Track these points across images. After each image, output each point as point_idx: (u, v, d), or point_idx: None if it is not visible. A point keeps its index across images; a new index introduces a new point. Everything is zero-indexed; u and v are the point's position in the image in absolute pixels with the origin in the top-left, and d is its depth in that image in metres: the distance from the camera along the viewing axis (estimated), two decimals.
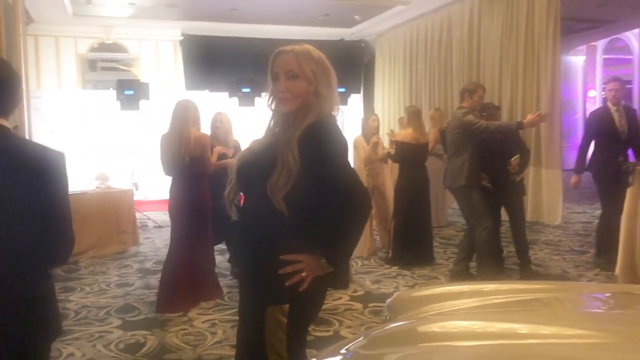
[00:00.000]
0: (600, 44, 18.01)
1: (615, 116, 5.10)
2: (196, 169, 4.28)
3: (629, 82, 18.72)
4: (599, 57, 18.48)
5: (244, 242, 1.82)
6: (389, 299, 2.21)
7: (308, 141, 1.70)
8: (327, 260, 1.73)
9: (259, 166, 1.75)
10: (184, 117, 4.22)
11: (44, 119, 9.63)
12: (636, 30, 16.92)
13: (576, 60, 17.97)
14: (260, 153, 1.79)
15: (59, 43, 11.38)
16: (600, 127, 5.16)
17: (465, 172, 4.78)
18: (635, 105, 18.01)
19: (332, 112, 1.79)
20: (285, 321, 1.70)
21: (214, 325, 4.01)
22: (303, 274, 1.68)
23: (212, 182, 4.39)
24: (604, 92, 5.45)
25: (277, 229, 1.70)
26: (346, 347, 1.67)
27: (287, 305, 1.71)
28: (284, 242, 1.70)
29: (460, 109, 4.91)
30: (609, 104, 5.18)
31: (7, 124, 1.73)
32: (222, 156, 4.80)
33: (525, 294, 2.17)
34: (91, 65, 12.20)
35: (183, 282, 4.35)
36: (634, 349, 1.41)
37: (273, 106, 1.83)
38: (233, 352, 3.47)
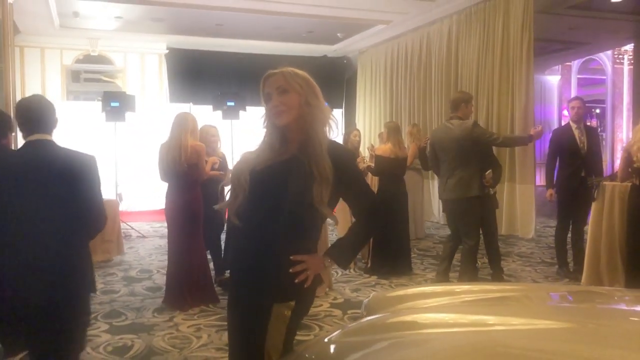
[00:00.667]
0: (575, 64, 18.56)
1: (576, 133, 5.40)
2: (191, 175, 4.60)
3: (602, 102, 19.35)
4: (574, 77, 19.02)
5: (248, 245, 1.96)
6: (366, 299, 2.41)
7: (334, 155, 1.91)
8: (333, 258, 1.96)
9: (274, 175, 1.91)
10: (184, 127, 4.56)
11: None
12: (609, 52, 17.53)
13: (552, 79, 18.51)
14: (269, 165, 1.94)
15: (44, 54, 11.48)
16: (563, 143, 5.45)
17: (477, 182, 4.82)
18: (607, 125, 18.61)
19: (328, 123, 1.98)
20: (290, 316, 1.88)
21: (199, 329, 4.17)
22: (308, 272, 1.87)
23: (203, 190, 4.66)
24: (565, 111, 5.73)
25: (282, 231, 1.87)
26: (327, 337, 1.87)
27: (294, 302, 1.89)
28: (287, 244, 1.88)
29: (457, 119, 4.92)
30: (571, 122, 5.49)
31: (51, 138, 2.47)
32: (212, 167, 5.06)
33: (496, 293, 2.38)
34: (74, 76, 12.28)
35: (183, 281, 4.67)
36: (594, 338, 1.61)
37: (266, 124, 2.01)
38: (218, 355, 3.66)
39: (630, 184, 4.59)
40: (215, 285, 5.24)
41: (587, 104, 18.12)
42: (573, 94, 18.63)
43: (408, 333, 1.74)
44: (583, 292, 2.76)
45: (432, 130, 5.09)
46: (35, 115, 2.46)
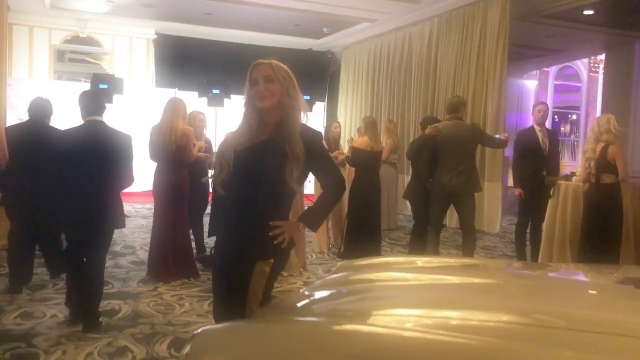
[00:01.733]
0: (552, 70, 19.13)
1: (539, 135, 5.84)
2: (179, 157, 4.93)
3: (577, 108, 20.00)
4: (551, 83, 19.60)
5: (234, 211, 2.29)
6: (334, 267, 2.77)
7: (306, 138, 2.25)
8: (305, 222, 2.33)
9: (255, 153, 2.24)
10: (175, 111, 4.89)
11: (12, 106, 9.80)
12: (586, 60, 18.13)
13: (529, 84, 19.08)
14: (250, 145, 2.26)
15: (33, 33, 11.58)
16: (527, 144, 5.89)
17: (479, 178, 5.52)
18: (580, 131, 19.25)
19: (302, 113, 2.32)
20: (269, 272, 2.24)
21: (182, 299, 4.52)
22: (285, 235, 2.23)
23: (189, 172, 5.00)
24: (532, 113, 6.14)
25: (262, 201, 2.23)
26: (302, 289, 2.25)
27: (273, 260, 2.24)
28: (265, 212, 2.23)
29: (461, 121, 5.48)
30: (535, 125, 5.93)
31: (102, 119, 3.76)
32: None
33: (456, 263, 2.79)
34: (59, 56, 12.39)
35: (167, 255, 4.98)
36: (539, 292, 2.06)
37: (246, 106, 2.33)
38: (200, 320, 4.03)
39: (587, 184, 5.07)
40: (196, 262, 5.59)
41: (562, 110, 18.46)
42: (549, 99, 19.24)
43: (369, 285, 2.12)
44: (537, 264, 3.19)
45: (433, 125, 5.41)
46: (92, 102, 3.74)
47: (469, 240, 5.51)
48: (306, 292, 2.19)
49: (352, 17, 10.80)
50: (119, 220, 3.81)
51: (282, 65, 2.33)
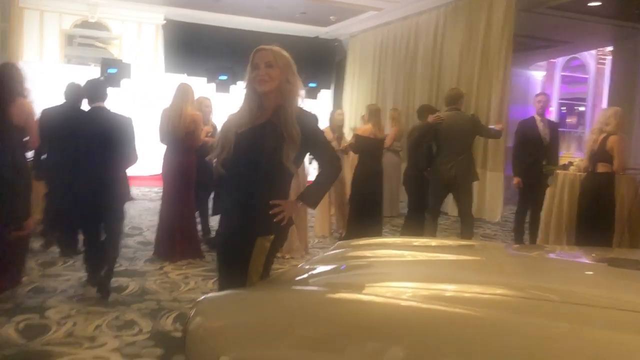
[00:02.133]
0: (560, 61, 19.09)
1: (540, 125, 5.93)
2: (188, 141, 5.09)
3: (584, 100, 19.97)
4: (558, 74, 19.55)
5: (236, 191, 2.43)
6: (332, 247, 2.91)
7: (302, 122, 2.39)
8: (304, 201, 2.47)
9: (254, 136, 2.37)
10: (185, 97, 5.05)
11: None
12: (593, 52, 18.06)
13: (536, 74, 19.07)
14: (250, 127, 2.40)
15: (43, 17, 11.72)
16: (527, 134, 5.98)
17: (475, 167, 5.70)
18: (587, 123, 19.22)
19: (298, 98, 2.45)
20: (269, 247, 2.38)
21: (187, 277, 4.68)
22: (284, 213, 2.37)
23: (197, 157, 5.16)
24: (533, 103, 6.23)
25: (261, 181, 2.36)
26: (300, 265, 2.38)
27: (273, 236, 2.38)
28: (265, 191, 2.37)
29: (461, 112, 5.65)
30: (535, 115, 6.02)
31: (104, 105, 4.19)
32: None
33: (453, 244, 2.90)
34: (68, 40, 12.53)
35: (174, 235, 5.14)
36: (534, 269, 2.17)
37: (247, 89, 2.46)
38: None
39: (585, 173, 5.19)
40: (201, 244, 5.76)
41: (569, 102, 18.38)
42: (556, 90, 19.22)
43: (366, 261, 2.25)
44: (533, 246, 3.30)
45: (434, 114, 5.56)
46: (95, 91, 4.21)
47: (467, 226, 5.63)
48: (305, 267, 2.33)
49: (359, 6, 10.86)
50: (125, 195, 4.50)
51: (284, 52, 2.45)
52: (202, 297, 1.95)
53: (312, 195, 2.52)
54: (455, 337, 1.41)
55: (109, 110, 4.19)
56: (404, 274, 2.05)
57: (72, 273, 4.63)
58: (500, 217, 8.62)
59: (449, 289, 1.75)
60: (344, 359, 1.50)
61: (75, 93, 5.08)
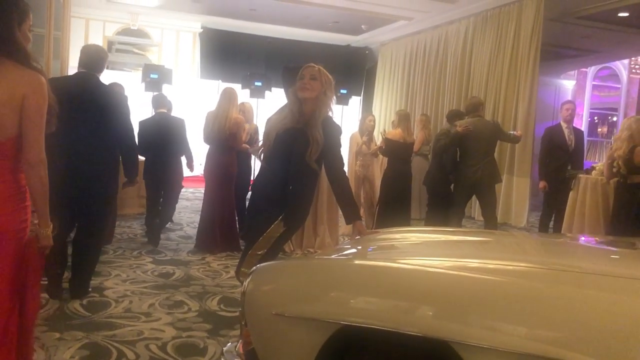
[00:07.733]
0: (591, 70, 19.03)
1: (566, 132, 6.16)
2: (231, 142, 5.50)
3: (615, 109, 19.83)
4: (589, 83, 19.48)
5: (270, 181, 2.99)
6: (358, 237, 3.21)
7: (326, 128, 2.91)
8: (355, 220, 2.95)
9: (290, 138, 2.90)
10: (231, 101, 5.47)
11: None
12: (626, 61, 17.97)
13: (567, 83, 19.05)
14: (287, 129, 2.93)
15: (88, 25, 12.35)
16: (554, 140, 6.21)
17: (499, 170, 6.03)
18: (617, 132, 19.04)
19: (329, 109, 2.95)
20: (281, 232, 2.90)
21: (227, 267, 5.05)
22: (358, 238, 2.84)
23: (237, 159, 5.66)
24: (560, 111, 6.47)
25: (289, 175, 2.90)
26: (333, 247, 2.72)
27: (285, 229, 2.91)
28: (293, 184, 2.91)
29: (483, 118, 6.01)
30: (562, 122, 6.24)
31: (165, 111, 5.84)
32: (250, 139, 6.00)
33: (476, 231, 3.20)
34: (108, 47, 13.10)
35: (215, 229, 5.54)
36: (555, 250, 2.44)
37: (292, 94, 2.96)
38: None
39: (615, 180, 5.25)
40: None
41: (600, 111, 18.27)
42: (587, 100, 19.15)
43: (393, 242, 2.56)
44: (556, 234, 3.52)
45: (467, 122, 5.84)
46: (159, 100, 5.76)
47: (491, 228, 5.87)
48: (338, 247, 2.66)
49: (390, 15, 11.16)
50: (180, 174, 6.14)
51: (326, 70, 2.99)
52: (257, 266, 2.28)
53: (355, 211, 2.99)
54: (479, 299, 1.57)
55: (170, 115, 5.93)
56: (430, 251, 2.32)
57: (123, 261, 5.04)
58: (527, 222, 8.79)
59: (473, 262, 1.96)
60: (378, 313, 1.78)
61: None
